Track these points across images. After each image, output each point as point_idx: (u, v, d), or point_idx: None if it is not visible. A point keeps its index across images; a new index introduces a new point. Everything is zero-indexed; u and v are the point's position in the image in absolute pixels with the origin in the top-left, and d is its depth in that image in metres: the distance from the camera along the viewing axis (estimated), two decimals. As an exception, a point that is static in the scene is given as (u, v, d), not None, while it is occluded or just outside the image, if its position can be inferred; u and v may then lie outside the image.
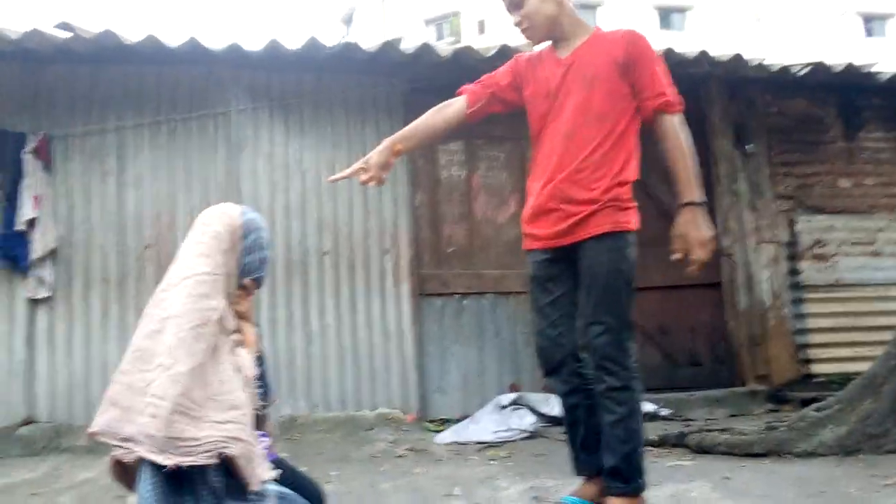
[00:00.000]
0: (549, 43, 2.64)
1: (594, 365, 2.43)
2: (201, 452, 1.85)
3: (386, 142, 2.66)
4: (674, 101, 2.46)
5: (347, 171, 2.67)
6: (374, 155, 2.64)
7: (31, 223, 4.89)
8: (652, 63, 2.47)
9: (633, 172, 2.49)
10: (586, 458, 2.55)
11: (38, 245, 4.87)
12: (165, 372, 1.90)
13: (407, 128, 2.72)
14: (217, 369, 2.00)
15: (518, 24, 2.58)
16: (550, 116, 2.54)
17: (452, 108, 2.71)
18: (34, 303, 4.94)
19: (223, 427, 1.91)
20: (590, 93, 2.46)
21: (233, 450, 1.88)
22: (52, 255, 4.96)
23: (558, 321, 2.53)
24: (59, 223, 5.02)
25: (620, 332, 2.41)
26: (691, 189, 2.41)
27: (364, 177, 2.63)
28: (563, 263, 2.51)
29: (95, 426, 1.87)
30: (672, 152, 2.44)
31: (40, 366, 4.90)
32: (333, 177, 2.73)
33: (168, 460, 1.80)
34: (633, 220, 2.46)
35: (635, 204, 2.49)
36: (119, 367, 1.95)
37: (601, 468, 2.48)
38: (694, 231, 2.37)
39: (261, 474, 1.97)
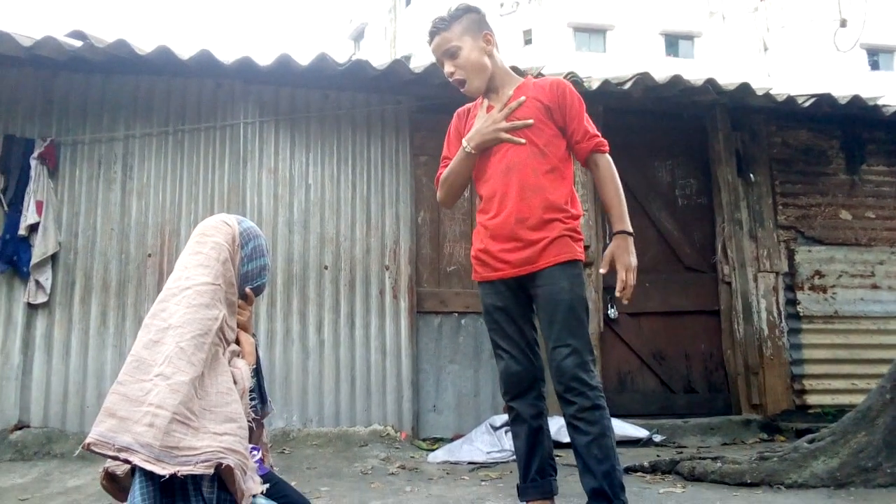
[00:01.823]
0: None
1: (562, 388, 2.52)
2: (199, 462, 1.86)
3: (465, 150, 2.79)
4: (605, 142, 2.69)
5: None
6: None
7: (34, 228, 4.93)
8: (579, 108, 2.68)
9: (579, 207, 2.72)
10: (541, 483, 2.67)
11: (39, 250, 4.90)
12: (165, 381, 1.91)
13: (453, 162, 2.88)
14: (216, 380, 2.01)
15: (451, 75, 2.73)
16: (493, 157, 2.70)
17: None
18: (33, 308, 4.96)
19: (221, 438, 1.92)
20: (524, 133, 2.65)
21: (230, 461, 1.89)
22: (53, 260, 4.99)
23: (525, 348, 2.68)
24: (61, 229, 5.06)
25: (585, 353, 2.53)
26: (623, 220, 2.62)
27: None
28: (519, 292, 2.67)
29: (91, 437, 1.87)
30: (607, 188, 2.65)
31: (36, 371, 4.91)
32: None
33: (164, 469, 1.81)
34: (582, 252, 2.66)
35: (583, 237, 2.71)
36: (117, 378, 1.96)
37: (553, 492, 2.66)
38: (622, 256, 2.57)
39: (251, 487, 1.98)
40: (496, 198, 2.67)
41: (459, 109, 2.93)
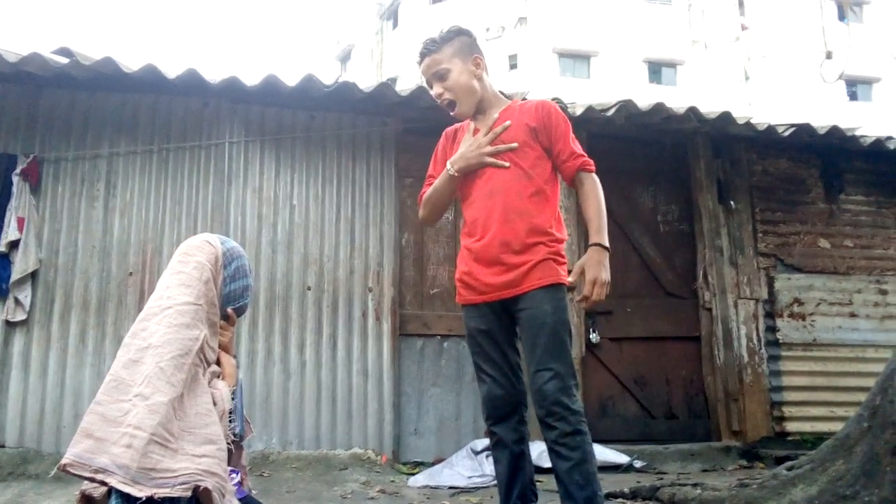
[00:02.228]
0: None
1: (543, 412, 2.50)
2: (177, 485, 1.83)
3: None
4: (590, 162, 2.70)
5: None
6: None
7: (15, 245, 4.88)
8: (565, 130, 2.69)
9: (564, 231, 2.72)
10: None
11: (19, 267, 4.86)
12: (144, 402, 1.89)
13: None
14: (195, 401, 1.99)
15: (440, 97, 2.76)
16: (479, 179, 2.72)
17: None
18: (10, 325, 4.90)
19: (199, 460, 1.90)
20: (509, 156, 2.67)
21: (208, 484, 1.87)
22: (33, 277, 4.95)
23: (508, 372, 2.66)
24: (42, 246, 5.01)
25: (567, 377, 2.51)
26: (601, 234, 2.59)
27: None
28: (503, 315, 2.66)
29: (67, 458, 1.84)
30: (589, 203, 2.65)
31: (12, 390, 4.84)
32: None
33: (141, 492, 1.78)
34: (566, 275, 2.63)
35: (566, 261, 2.68)
36: (95, 398, 1.94)
37: None
38: (593, 269, 2.53)
39: None
40: (480, 221, 2.67)
41: (447, 129, 2.95)
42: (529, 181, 2.64)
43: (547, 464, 2.92)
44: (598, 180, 2.69)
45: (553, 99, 5.43)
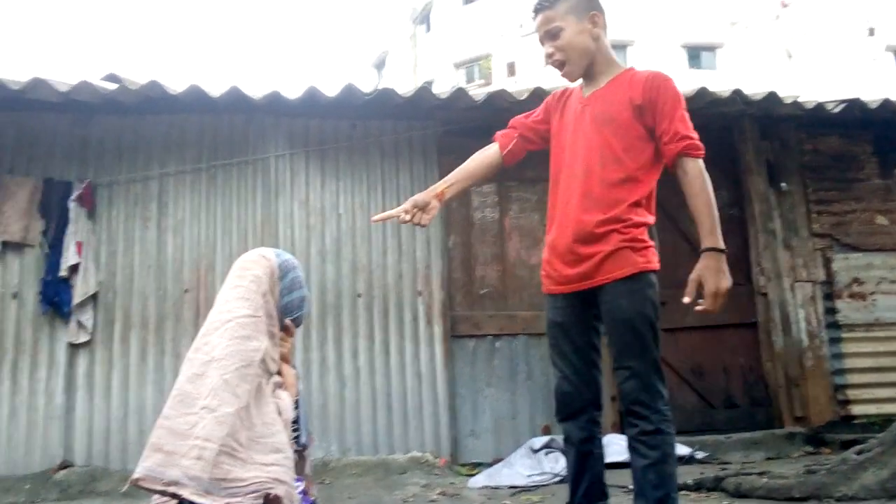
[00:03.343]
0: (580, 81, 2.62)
1: (624, 410, 2.40)
2: (248, 493, 1.87)
3: (432, 187, 2.68)
4: (697, 146, 2.41)
5: (391, 212, 2.64)
6: (419, 196, 2.64)
7: (74, 269, 5.03)
8: (674, 107, 2.41)
9: (649, 215, 2.47)
10: None
11: (80, 290, 5.01)
12: (211, 414, 1.93)
13: (450, 174, 2.73)
14: (261, 411, 2.03)
15: (550, 56, 2.55)
16: (566, 156, 2.54)
17: (489, 152, 2.74)
18: (74, 347, 5.05)
19: (268, 469, 1.93)
20: (604, 134, 2.45)
21: (278, 491, 1.90)
22: (93, 299, 5.09)
23: (582, 368, 2.50)
24: (100, 269, 5.16)
25: (648, 375, 2.36)
26: (714, 236, 2.35)
27: (406, 217, 2.60)
28: (583, 308, 2.49)
29: (138, 473, 1.88)
30: (695, 198, 2.39)
31: (79, 410, 4.99)
32: (376, 216, 2.68)
33: (214, 502, 1.82)
34: (651, 261, 2.42)
35: (652, 244, 2.45)
36: (162, 413, 1.99)
37: None
38: (712, 279, 2.30)
39: None
40: (558, 209, 2.54)
41: (556, 91, 2.74)
42: (618, 166, 2.42)
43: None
44: (703, 168, 2.40)
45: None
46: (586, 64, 2.53)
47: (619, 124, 2.44)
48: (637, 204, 2.43)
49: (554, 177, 2.60)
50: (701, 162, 2.41)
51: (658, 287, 2.42)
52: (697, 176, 2.39)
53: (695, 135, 2.42)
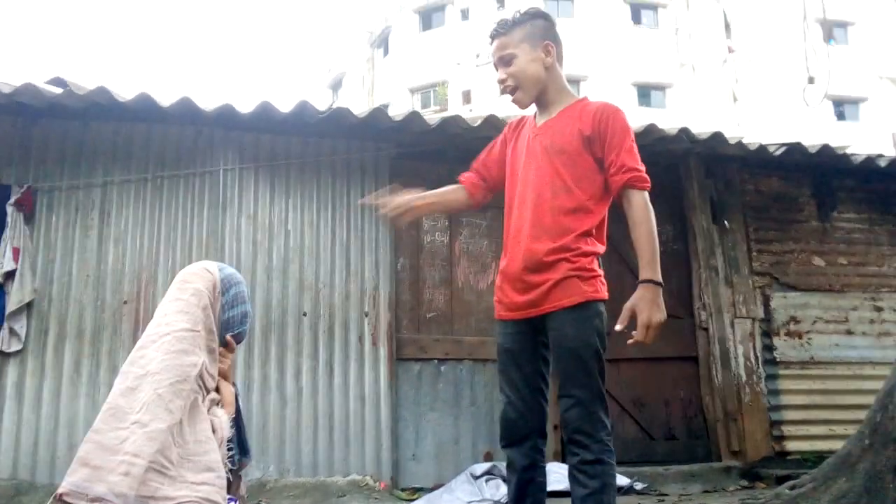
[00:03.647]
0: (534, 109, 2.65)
1: (566, 438, 2.39)
2: None
3: (412, 195, 2.67)
4: (642, 178, 2.44)
5: (373, 198, 2.68)
6: (400, 196, 2.65)
7: (10, 275, 4.86)
8: (622, 138, 2.44)
9: (599, 244, 2.49)
10: None
11: (14, 297, 4.84)
12: (142, 429, 1.87)
13: (429, 192, 2.73)
14: (194, 428, 1.98)
15: (502, 82, 2.58)
16: (519, 185, 2.56)
17: (461, 193, 2.77)
18: (4, 356, 4.87)
19: (198, 488, 1.88)
20: (555, 165, 2.47)
21: None
22: (28, 307, 4.92)
23: (527, 396, 2.49)
24: (37, 276, 4.99)
25: (591, 404, 2.35)
26: (653, 269, 2.37)
27: (383, 210, 2.64)
28: (532, 335, 2.49)
29: (64, 487, 1.82)
30: (637, 230, 2.41)
31: (6, 421, 4.79)
32: (363, 199, 2.70)
33: None
34: (599, 290, 2.43)
35: (600, 273, 2.46)
36: (92, 426, 1.92)
37: None
38: (646, 310, 2.32)
39: None
40: (510, 236, 2.54)
41: (512, 120, 2.77)
42: (569, 196, 2.44)
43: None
44: (648, 200, 2.42)
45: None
46: (537, 92, 2.57)
47: (569, 155, 2.47)
48: (587, 234, 2.45)
49: (508, 204, 2.61)
50: (646, 194, 2.44)
51: (605, 317, 2.43)
52: (641, 207, 2.42)
53: (641, 167, 2.45)
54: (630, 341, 2.34)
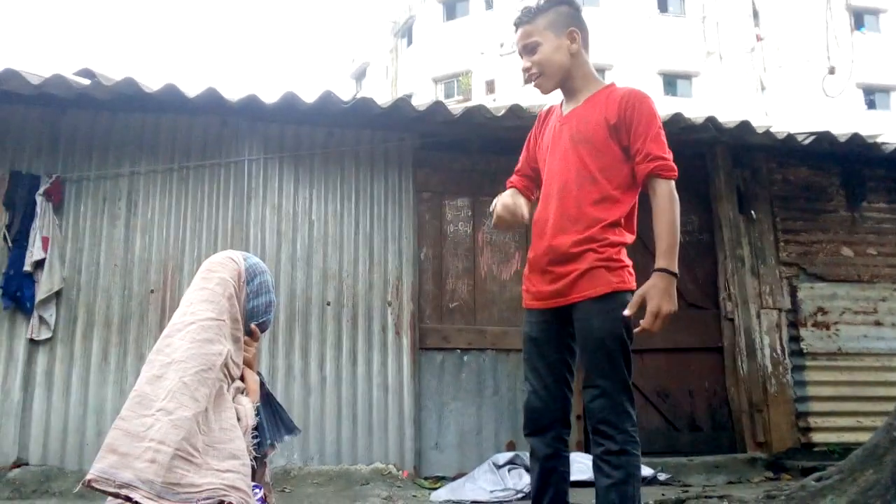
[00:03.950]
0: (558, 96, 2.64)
1: (591, 428, 2.38)
2: (201, 500, 1.83)
3: (513, 199, 2.61)
4: (669, 166, 2.42)
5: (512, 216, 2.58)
6: (518, 207, 2.58)
7: (39, 264, 4.93)
8: (648, 126, 2.42)
9: (626, 234, 2.47)
10: None
11: (44, 286, 4.91)
12: (167, 416, 1.89)
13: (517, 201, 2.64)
14: (220, 416, 1.99)
15: (527, 70, 2.56)
16: (546, 174, 2.56)
17: (521, 196, 2.68)
18: (34, 343, 4.95)
19: (224, 475, 1.90)
20: (580, 154, 2.46)
21: (232, 499, 1.86)
22: (56, 296, 4.99)
23: (552, 385, 2.48)
24: (65, 265, 5.06)
25: (617, 395, 2.34)
26: (669, 258, 2.36)
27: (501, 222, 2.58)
28: (558, 325, 2.48)
29: (92, 474, 1.84)
30: (659, 218, 2.40)
31: (36, 408, 4.88)
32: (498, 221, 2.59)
33: None
34: (626, 281, 2.41)
35: (628, 263, 2.44)
36: (119, 414, 1.94)
37: None
38: (655, 298, 2.30)
39: None
40: (537, 227, 2.53)
41: (541, 111, 2.77)
42: (594, 186, 2.42)
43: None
44: (674, 189, 2.41)
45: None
46: (561, 79, 2.56)
47: (594, 145, 2.45)
48: (615, 224, 2.44)
49: (542, 192, 2.60)
50: (671, 183, 2.42)
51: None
52: (665, 196, 2.40)
53: (668, 155, 2.43)
54: (637, 329, 2.33)
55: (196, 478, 1.86)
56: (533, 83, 2.59)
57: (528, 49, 2.55)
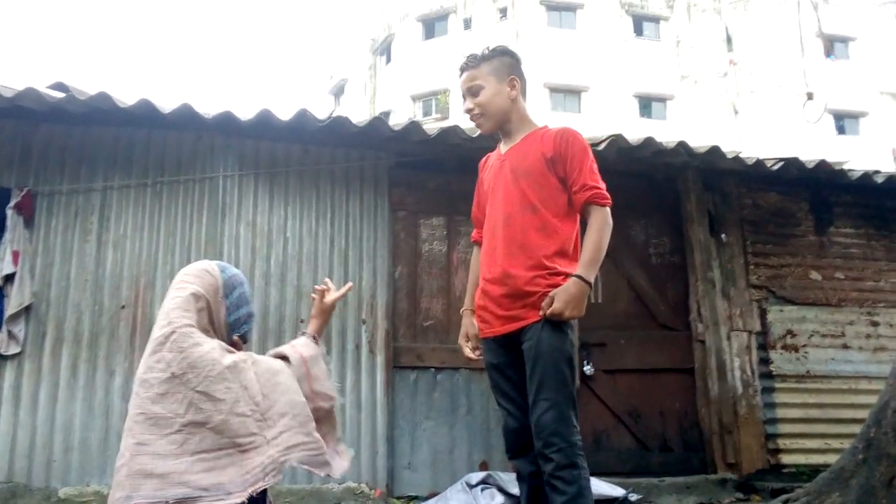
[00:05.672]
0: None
1: (541, 443, 2.48)
2: (266, 475, 1.95)
3: (466, 315, 2.91)
4: (602, 195, 2.65)
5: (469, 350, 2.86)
6: (470, 330, 2.86)
7: (9, 278, 4.87)
8: (581, 159, 2.66)
9: (570, 263, 2.64)
10: None
11: (14, 301, 4.84)
12: (199, 428, 1.91)
13: (468, 290, 2.97)
14: (245, 393, 2.02)
15: (469, 111, 2.81)
16: (490, 207, 2.77)
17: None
18: (2, 358, 4.85)
19: (276, 442, 1.98)
20: (521, 186, 2.68)
21: (291, 460, 1.99)
22: (26, 311, 4.93)
23: (523, 405, 2.61)
24: (35, 280, 5.00)
25: (565, 407, 2.49)
26: (588, 269, 2.55)
27: (471, 354, 2.84)
28: (512, 350, 2.64)
29: (137, 500, 1.84)
30: (589, 237, 2.60)
31: (2, 423, 4.78)
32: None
33: (238, 497, 1.87)
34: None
35: None
36: (132, 441, 1.93)
37: None
38: (563, 300, 2.49)
39: (338, 464, 2.16)
40: (487, 255, 2.74)
41: (481, 161, 3.03)
42: (535, 215, 2.64)
43: None
44: (608, 215, 2.64)
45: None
46: (499, 121, 2.81)
47: (534, 177, 2.68)
48: (561, 253, 2.64)
49: (486, 228, 2.82)
50: (606, 209, 2.66)
51: (577, 331, 2.67)
52: (599, 220, 2.63)
53: (601, 185, 2.68)
54: (540, 312, 2.52)
55: (252, 461, 1.93)
56: (475, 124, 2.84)
57: (471, 91, 2.80)
